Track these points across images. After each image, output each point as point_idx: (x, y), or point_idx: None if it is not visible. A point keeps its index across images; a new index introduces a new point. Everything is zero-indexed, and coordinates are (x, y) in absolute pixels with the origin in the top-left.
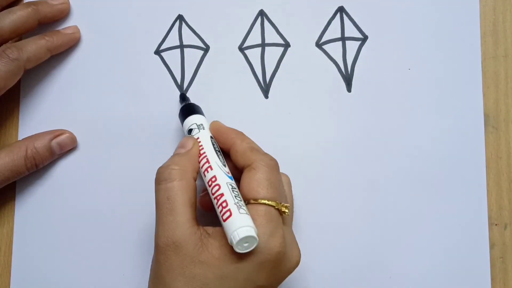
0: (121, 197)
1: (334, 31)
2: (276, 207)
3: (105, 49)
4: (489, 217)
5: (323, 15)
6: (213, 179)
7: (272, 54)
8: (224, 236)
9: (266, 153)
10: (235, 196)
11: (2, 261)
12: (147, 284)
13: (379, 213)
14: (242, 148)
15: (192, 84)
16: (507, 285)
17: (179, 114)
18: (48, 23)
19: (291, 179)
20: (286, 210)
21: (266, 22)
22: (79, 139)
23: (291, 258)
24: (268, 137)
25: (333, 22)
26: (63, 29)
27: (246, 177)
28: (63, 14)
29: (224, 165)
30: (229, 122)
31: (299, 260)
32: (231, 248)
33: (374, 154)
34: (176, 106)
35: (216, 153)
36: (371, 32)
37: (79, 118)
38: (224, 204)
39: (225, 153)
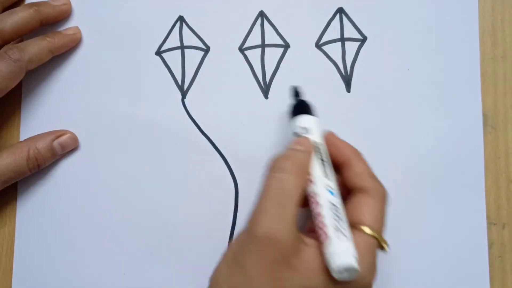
0: (122, 197)
1: (333, 32)
2: (379, 240)
3: (106, 50)
4: (488, 217)
5: (322, 16)
6: (312, 195)
7: (272, 54)
8: (319, 250)
9: (381, 182)
10: (336, 217)
11: (4, 261)
12: (151, 285)
13: None
14: (360, 170)
15: (193, 85)
16: (506, 284)
17: (290, 109)
18: (50, 24)
19: None
20: (386, 248)
21: (266, 23)
22: (80, 139)
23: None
24: (268, 138)
25: (332, 23)
26: (64, 30)
27: (359, 201)
28: (65, 15)
29: (328, 178)
30: (229, 122)
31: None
32: (324, 264)
33: (373, 154)
34: (177, 106)
35: (323, 164)
36: (370, 33)
37: (80, 118)
38: (321, 225)
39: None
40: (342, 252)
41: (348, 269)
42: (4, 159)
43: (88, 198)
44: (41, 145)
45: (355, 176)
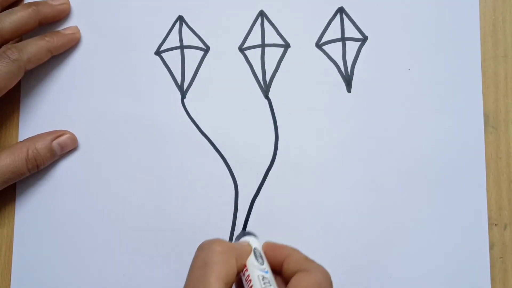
0: (121, 197)
1: (334, 32)
2: None
3: (105, 49)
4: (489, 217)
5: (323, 16)
6: (247, 277)
7: (272, 54)
8: None
9: (322, 266)
10: (264, 283)
11: (3, 262)
12: (151, 285)
13: (378, 213)
14: (298, 257)
15: (192, 85)
16: (507, 285)
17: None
18: (48, 23)
19: (291, 180)
20: None
21: (266, 23)
22: (79, 139)
23: None
24: (268, 138)
25: (333, 22)
26: (63, 29)
27: (297, 278)
28: (64, 15)
29: (262, 264)
30: (229, 122)
31: None
32: None
33: (374, 154)
34: (177, 106)
35: (256, 257)
36: (371, 32)
37: (79, 118)
38: None
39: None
40: None
41: None
42: (3, 159)
43: (87, 199)
44: (40, 145)
45: (294, 262)
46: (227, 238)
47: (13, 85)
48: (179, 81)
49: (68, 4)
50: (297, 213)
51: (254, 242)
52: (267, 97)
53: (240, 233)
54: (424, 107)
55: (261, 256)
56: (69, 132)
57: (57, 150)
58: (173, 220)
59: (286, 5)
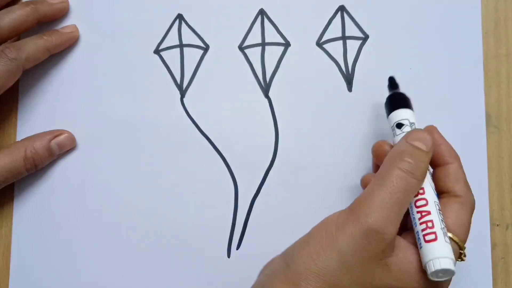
0: (120, 197)
1: (334, 30)
2: (462, 251)
3: (104, 48)
4: (491, 218)
5: (323, 14)
6: (421, 191)
7: (272, 53)
8: (413, 251)
9: (471, 192)
10: (442, 220)
11: (1, 262)
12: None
13: None
14: (458, 176)
15: (192, 84)
16: (509, 286)
17: (388, 101)
18: (47, 22)
19: (291, 180)
20: (464, 258)
21: (266, 21)
22: (78, 139)
23: None
24: (268, 137)
25: (333, 21)
26: (61, 28)
27: (449, 205)
28: (62, 13)
29: (432, 179)
30: (229, 121)
31: None
32: (417, 267)
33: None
34: (176, 106)
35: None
36: (372, 31)
37: (78, 118)
38: (430, 224)
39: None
40: (444, 256)
41: (446, 272)
42: (1, 159)
43: (85, 198)
44: (39, 145)
45: (452, 180)
46: (227, 238)
47: (11, 84)
48: (178, 80)
49: (67, 2)
50: (297, 213)
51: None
52: (267, 96)
53: (392, 93)
54: (426, 106)
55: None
56: (67, 132)
57: (55, 150)
58: (172, 220)
59: (287, 3)
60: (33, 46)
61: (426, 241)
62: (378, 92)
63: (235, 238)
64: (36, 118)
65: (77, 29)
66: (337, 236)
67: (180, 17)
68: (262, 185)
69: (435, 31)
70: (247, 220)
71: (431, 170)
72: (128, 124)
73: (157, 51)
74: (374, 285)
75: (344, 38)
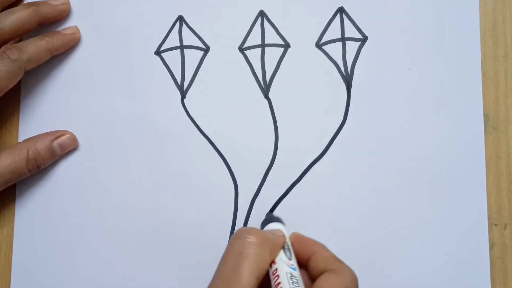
0: (121, 197)
1: (334, 32)
2: None
3: (105, 49)
4: (489, 218)
5: (323, 16)
6: (274, 272)
7: (272, 54)
8: None
9: (349, 268)
10: (293, 283)
11: (3, 262)
12: (151, 286)
13: (379, 213)
14: (326, 255)
15: (192, 85)
16: (507, 286)
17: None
18: (48, 23)
19: (290, 180)
20: None
21: (266, 23)
22: (80, 139)
23: None
24: (268, 138)
25: (333, 22)
26: (63, 29)
27: (324, 278)
28: (64, 15)
29: (290, 259)
30: (229, 122)
31: None
32: None
33: (374, 154)
34: (177, 106)
35: (284, 251)
36: (371, 32)
37: (79, 118)
38: None
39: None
40: None
41: None
42: (3, 160)
43: (87, 199)
44: (41, 146)
45: (322, 260)
46: (227, 238)
47: (13, 85)
48: (179, 81)
49: (68, 4)
50: (297, 213)
51: (284, 233)
52: (267, 97)
53: (268, 216)
54: (424, 107)
55: (289, 250)
56: (69, 132)
57: (57, 151)
58: (173, 220)
59: (286, 5)
60: (34, 47)
61: None
62: (377, 93)
63: None
64: (38, 119)
65: (78, 31)
66: None
67: (180, 18)
68: (262, 185)
69: (433, 32)
70: (247, 220)
71: (292, 256)
72: (129, 124)
73: (158, 53)
74: None
75: (343, 39)
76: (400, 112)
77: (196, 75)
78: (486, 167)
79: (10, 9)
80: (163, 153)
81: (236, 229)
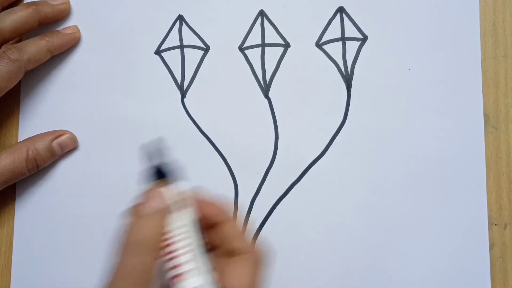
0: (121, 196)
1: (334, 31)
2: None
3: (105, 49)
4: (489, 217)
5: (323, 15)
6: (166, 253)
7: (272, 54)
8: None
9: (253, 244)
10: (193, 258)
11: (3, 261)
12: None
13: (378, 213)
14: (228, 231)
15: (192, 84)
16: (507, 285)
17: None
18: (48, 23)
19: (290, 180)
20: None
21: (266, 22)
22: (79, 139)
23: None
24: (268, 138)
25: (333, 22)
26: (63, 29)
27: (226, 265)
28: (64, 14)
29: (186, 238)
30: (229, 121)
31: None
32: None
33: (374, 154)
34: (177, 106)
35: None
36: (371, 32)
37: (79, 118)
38: (173, 270)
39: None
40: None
41: None
42: (3, 160)
43: (87, 198)
44: (40, 145)
45: (223, 238)
46: None
47: (13, 85)
48: (179, 81)
49: (68, 3)
50: (297, 213)
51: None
52: (267, 97)
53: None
54: (424, 107)
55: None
56: (69, 132)
57: (57, 150)
58: None
59: (286, 4)
60: (34, 47)
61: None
62: (377, 92)
63: None
64: (38, 119)
65: (78, 30)
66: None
67: (180, 18)
68: (262, 185)
69: (433, 32)
70: (247, 220)
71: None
72: (129, 124)
73: (158, 52)
74: None
75: (343, 39)
76: (400, 111)
77: (196, 74)
78: (486, 166)
79: (10, 9)
80: None
81: None
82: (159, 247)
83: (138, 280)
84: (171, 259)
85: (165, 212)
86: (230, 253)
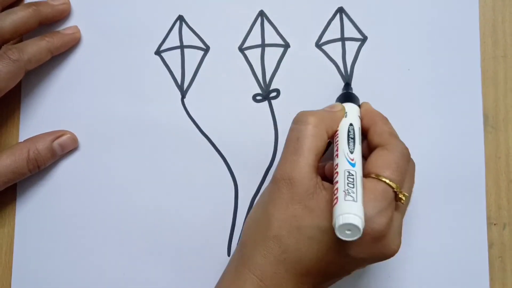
0: (121, 197)
1: (333, 32)
2: (395, 189)
3: (106, 49)
4: (488, 217)
5: (322, 16)
6: (336, 167)
7: (272, 54)
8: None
9: (402, 141)
10: (348, 183)
11: (3, 261)
12: (151, 285)
13: None
14: (381, 130)
15: (192, 85)
16: (506, 285)
17: (339, 96)
18: (49, 23)
19: None
20: (403, 198)
21: (266, 23)
22: (80, 139)
23: (391, 244)
24: (268, 138)
25: (332, 22)
26: (63, 29)
27: (376, 154)
28: (64, 15)
29: (351, 152)
30: (229, 122)
31: (397, 250)
32: None
33: None
34: (177, 106)
35: (348, 140)
36: (370, 32)
37: (80, 118)
38: (335, 192)
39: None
40: (345, 212)
41: (348, 226)
42: (4, 160)
43: (87, 198)
44: (41, 146)
45: (377, 135)
46: (227, 238)
47: (13, 85)
48: (179, 81)
49: (68, 4)
50: None
51: (352, 112)
52: (267, 97)
53: (343, 92)
54: (424, 107)
55: (353, 139)
56: (70, 132)
57: (57, 150)
58: (173, 220)
59: (286, 5)
60: (35, 47)
61: (333, 206)
62: (376, 93)
63: (235, 238)
64: (38, 119)
65: (78, 30)
66: (261, 196)
67: (180, 18)
68: (262, 185)
69: (433, 32)
70: None
71: (356, 147)
72: (130, 124)
73: (158, 52)
74: (299, 226)
75: (343, 39)
76: (400, 111)
77: (196, 75)
78: (485, 166)
79: (10, 9)
80: (163, 153)
81: (236, 229)
82: (328, 129)
83: (302, 143)
84: (336, 172)
85: (342, 113)
86: (379, 146)
